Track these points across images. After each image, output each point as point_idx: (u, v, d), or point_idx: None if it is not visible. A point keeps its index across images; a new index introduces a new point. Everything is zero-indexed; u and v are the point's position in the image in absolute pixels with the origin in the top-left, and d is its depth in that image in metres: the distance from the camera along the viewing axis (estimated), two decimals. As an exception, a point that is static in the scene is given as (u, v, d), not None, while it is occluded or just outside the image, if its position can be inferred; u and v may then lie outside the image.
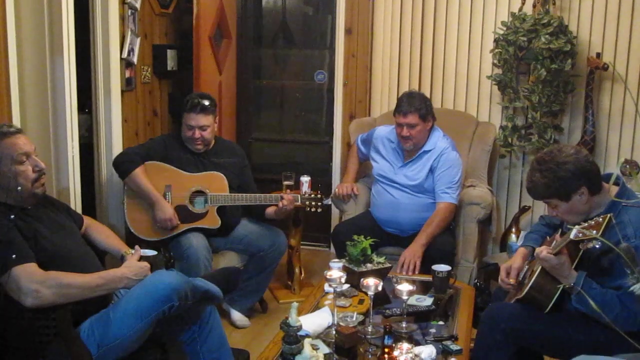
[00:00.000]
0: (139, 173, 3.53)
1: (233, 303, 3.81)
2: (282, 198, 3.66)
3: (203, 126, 3.62)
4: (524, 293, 2.53)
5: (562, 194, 2.47)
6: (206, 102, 3.65)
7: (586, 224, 2.32)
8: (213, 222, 3.61)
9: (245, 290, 3.78)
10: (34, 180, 2.47)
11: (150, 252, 2.64)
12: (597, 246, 2.28)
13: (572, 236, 2.32)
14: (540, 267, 2.50)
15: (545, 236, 2.85)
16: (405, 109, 3.67)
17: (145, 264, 2.52)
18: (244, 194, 3.68)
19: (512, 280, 2.75)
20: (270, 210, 3.77)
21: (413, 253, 3.51)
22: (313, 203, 3.76)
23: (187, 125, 3.62)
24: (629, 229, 2.37)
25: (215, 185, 3.63)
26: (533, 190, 2.56)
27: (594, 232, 2.25)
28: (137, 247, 2.66)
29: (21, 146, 2.44)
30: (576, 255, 2.44)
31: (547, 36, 3.94)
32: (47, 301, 2.22)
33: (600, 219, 2.28)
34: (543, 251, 2.44)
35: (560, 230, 2.66)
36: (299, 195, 3.76)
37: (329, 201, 4.04)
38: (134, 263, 2.51)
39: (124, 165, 3.56)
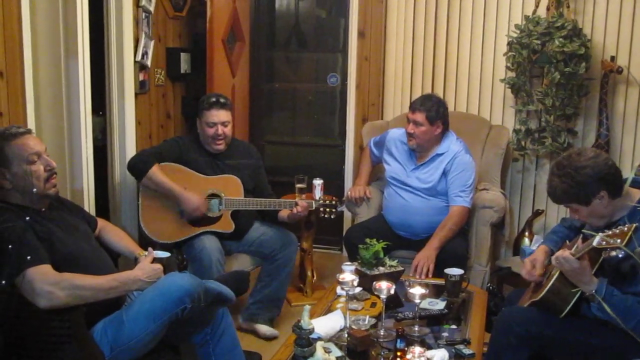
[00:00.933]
0: (156, 171, 3.52)
1: (256, 318, 3.74)
2: (296, 204, 3.64)
3: (225, 122, 3.63)
4: (540, 295, 2.51)
5: (582, 199, 2.45)
6: (223, 99, 3.68)
7: (610, 232, 2.28)
8: (227, 226, 3.61)
9: (264, 301, 3.73)
10: (46, 179, 2.48)
11: (163, 254, 2.65)
12: (620, 255, 2.26)
13: (594, 244, 2.29)
14: (559, 271, 2.48)
15: (565, 239, 2.83)
16: (415, 106, 3.70)
17: (158, 266, 2.53)
18: (259, 199, 3.67)
19: (538, 272, 2.73)
20: (283, 213, 3.75)
21: (426, 257, 3.50)
22: (327, 209, 3.72)
23: (209, 123, 3.62)
24: None
25: (230, 188, 3.63)
26: (552, 195, 2.55)
27: (618, 240, 2.22)
28: (150, 249, 2.67)
29: (32, 146, 2.46)
30: (596, 261, 2.42)
31: (561, 39, 3.93)
32: (60, 303, 2.23)
33: (625, 228, 2.25)
34: (565, 252, 2.41)
35: (581, 235, 2.63)
36: (313, 201, 3.74)
37: (343, 207, 4.01)
38: (147, 265, 2.52)
39: (139, 165, 3.55)
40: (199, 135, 3.73)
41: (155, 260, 2.57)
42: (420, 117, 3.67)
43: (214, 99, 3.66)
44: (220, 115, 3.62)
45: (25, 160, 2.42)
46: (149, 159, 3.56)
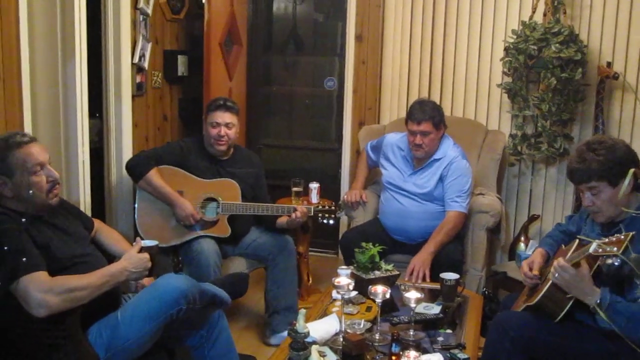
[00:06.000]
0: (153, 175, 3.52)
1: (279, 329, 3.66)
2: (295, 209, 3.62)
3: (229, 123, 3.63)
4: (535, 300, 2.51)
5: (614, 176, 2.43)
6: (230, 103, 3.70)
7: (607, 240, 2.28)
8: (223, 230, 3.60)
9: (279, 311, 3.68)
10: (48, 190, 2.45)
11: (151, 243, 2.61)
12: (616, 263, 2.26)
13: (591, 250, 2.28)
14: None
15: (560, 243, 2.83)
16: (419, 117, 3.66)
17: (145, 256, 2.50)
18: (256, 204, 3.64)
19: (535, 272, 2.72)
20: (281, 220, 3.72)
21: (422, 261, 3.50)
22: (326, 215, 3.68)
23: (213, 123, 3.61)
24: None
25: (228, 193, 3.62)
26: (582, 170, 2.48)
27: (615, 248, 2.22)
28: (137, 238, 2.63)
29: (36, 156, 2.41)
30: (592, 267, 2.40)
31: (557, 45, 3.93)
32: (57, 309, 2.20)
33: (622, 236, 2.24)
34: (560, 260, 2.39)
35: (577, 240, 2.63)
36: (312, 207, 3.69)
37: (342, 214, 3.96)
38: (134, 255, 2.49)
39: (137, 168, 3.55)
40: (203, 138, 3.72)
41: (142, 249, 2.55)
42: (427, 126, 3.65)
43: (220, 102, 3.67)
44: (225, 117, 3.62)
45: (28, 172, 2.38)
46: (148, 162, 3.56)
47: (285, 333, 3.57)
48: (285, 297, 3.70)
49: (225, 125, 3.62)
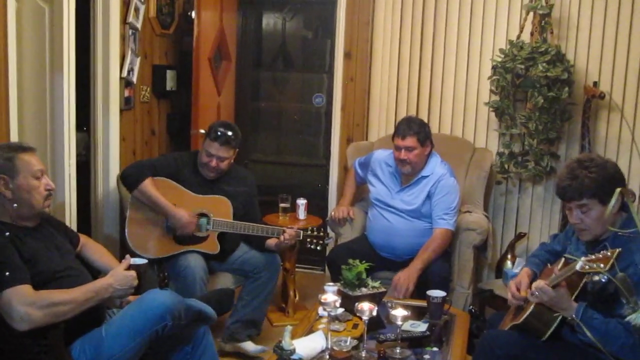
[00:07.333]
0: (148, 184, 3.49)
1: (238, 337, 3.65)
2: (284, 232, 3.61)
3: (222, 157, 3.59)
4: (522, 319, 2.52)
5: (605, 193, 2.42)
6: (231, 134, 3.60)
7: (593, 257, 2.30)
8: (212, 247, 3.58)
9: (244, 320, 3.66)
10: (44, 198, 2.50)
11: (140, 261, 2.59)
12: (603, 280, 2.27)
13: (577, 268, 2.30)
14: None
15: (546, 262, 2.84)
16: (404, 132, 3.69)
17: (131, 273, 2.49)
18: (246, 223, 3.62)
19: (523, 293, 2.72)
20: (270, 242, 3.71)
21: (407, 276, 3.50)
22: (314, 241, 3.67)
23: (207, 152, 3.58)
24: (637, 255, 2.35)
25: (220, 209, 3.60)
26: (574, 188, 2.47)
27: (602, 265, 2.23)
28: (127, 256, 2.62)
29: (35, 163, 2.50)
30: (577, 285, 2.42)
31: (544, 64, 3.97)
32: (39, 322, 2.20)
33: (609, 253, 2.26)
34: (540, 282, 2.43)
35: (563, 259, 2.64)
36: (301, 231, 3.68)
37: (329, 241, 3.97)
38: (120, 272, 2.48)
39: (133, 176, 3.52)
40: (198, 154, 3.69)
41: (131, 267, 2.53)
42: (411, 141, 3.68)
43: (220, 132, 3.58)
44: (220, 151, 3.57)
45: (31, 174, 2.46)
46: (144, 171, 3.53)
47: (244, 344, 3.62)
48: (254, 310, 3.68)
49: (218, 158, 3.59)
